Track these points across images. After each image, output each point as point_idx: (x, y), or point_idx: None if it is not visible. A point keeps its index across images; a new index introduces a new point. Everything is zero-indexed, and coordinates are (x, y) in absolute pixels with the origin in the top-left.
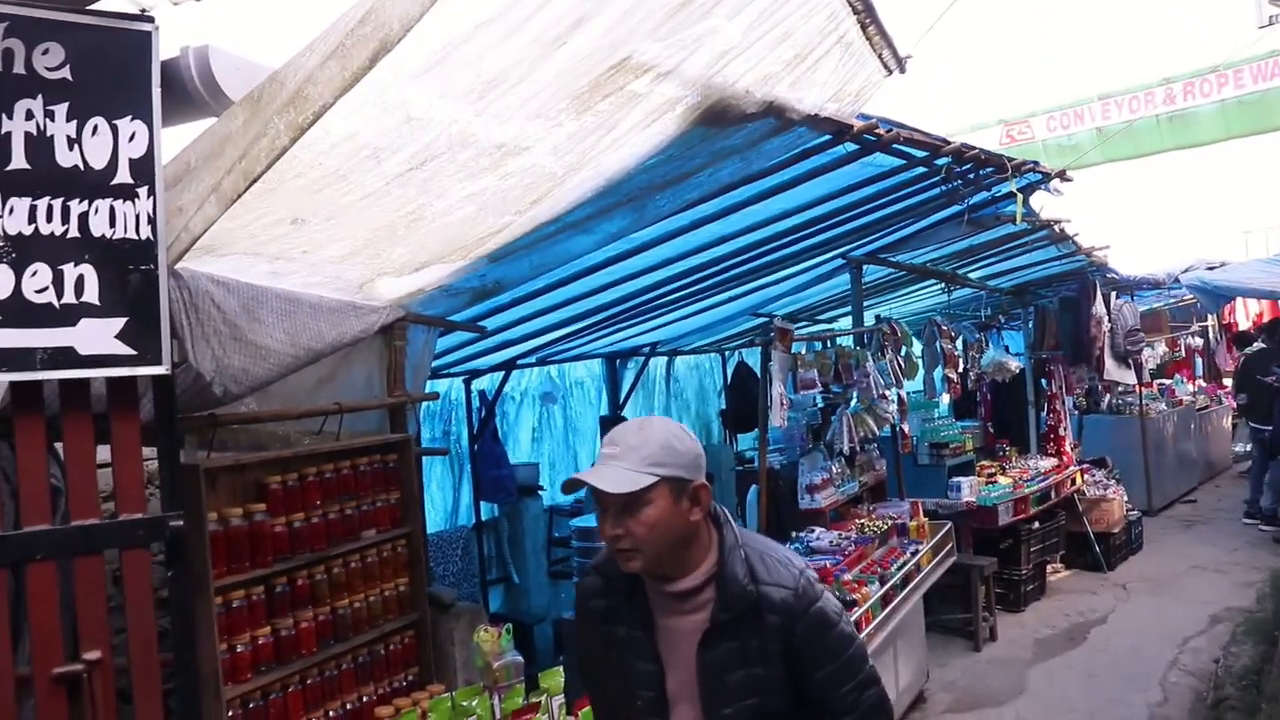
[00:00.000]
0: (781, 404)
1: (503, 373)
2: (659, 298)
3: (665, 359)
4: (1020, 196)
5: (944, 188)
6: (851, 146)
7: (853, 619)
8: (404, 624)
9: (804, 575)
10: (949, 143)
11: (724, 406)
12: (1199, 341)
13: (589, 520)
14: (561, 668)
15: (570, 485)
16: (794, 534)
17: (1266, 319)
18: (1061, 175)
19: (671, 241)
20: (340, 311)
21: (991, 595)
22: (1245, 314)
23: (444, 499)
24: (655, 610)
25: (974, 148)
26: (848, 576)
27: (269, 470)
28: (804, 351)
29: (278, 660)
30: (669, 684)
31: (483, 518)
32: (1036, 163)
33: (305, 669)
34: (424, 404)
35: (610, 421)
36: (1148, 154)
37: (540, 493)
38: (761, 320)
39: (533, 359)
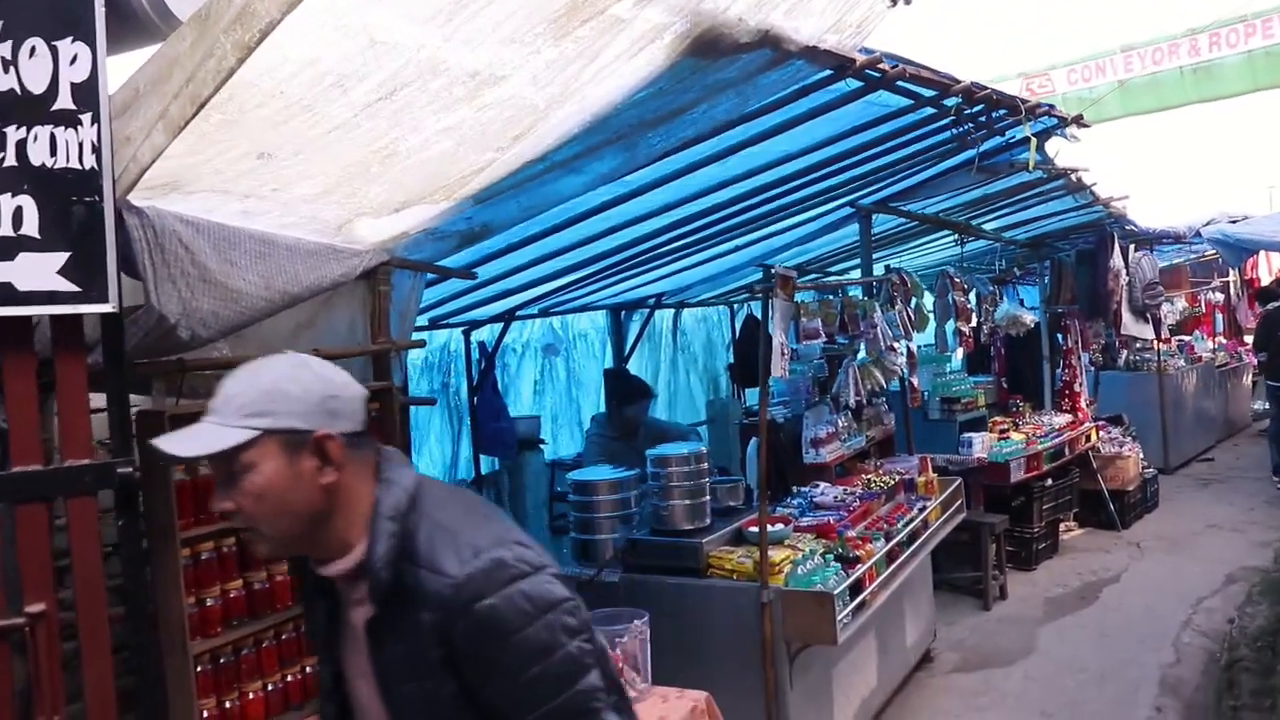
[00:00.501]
0: (783, 354)
1: (502, 324)
2: (659, 246)
3: (672, 311)
4: (1034, 141)
5: (955, 131)
6: (854, 83)
7: (855, 576)
8: None
9: (485, 559)
10: (958, 81)
11: (732, 360)
12: (1220, 297)
13: (589, 473)
14: None
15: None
16: (796, 489)
17: None
18: (1078, 120)
19: (669, 185)
20: (319, 254)
21: (1002, 553)
22: (1269, 269)
23: (443, 452)
24: (343, 602)
25: (985, 87)
26: (851, 533)
27: None
28: (809, 301)
29: (251, 614)
30: (355, 697)
31: (482, 471)
32: (1052, 106)
33: (280, 623)
34: (423, 355)
35: (613, 375)
36: (1171, 107)
37: (542, 446)
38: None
39: (534, 310)
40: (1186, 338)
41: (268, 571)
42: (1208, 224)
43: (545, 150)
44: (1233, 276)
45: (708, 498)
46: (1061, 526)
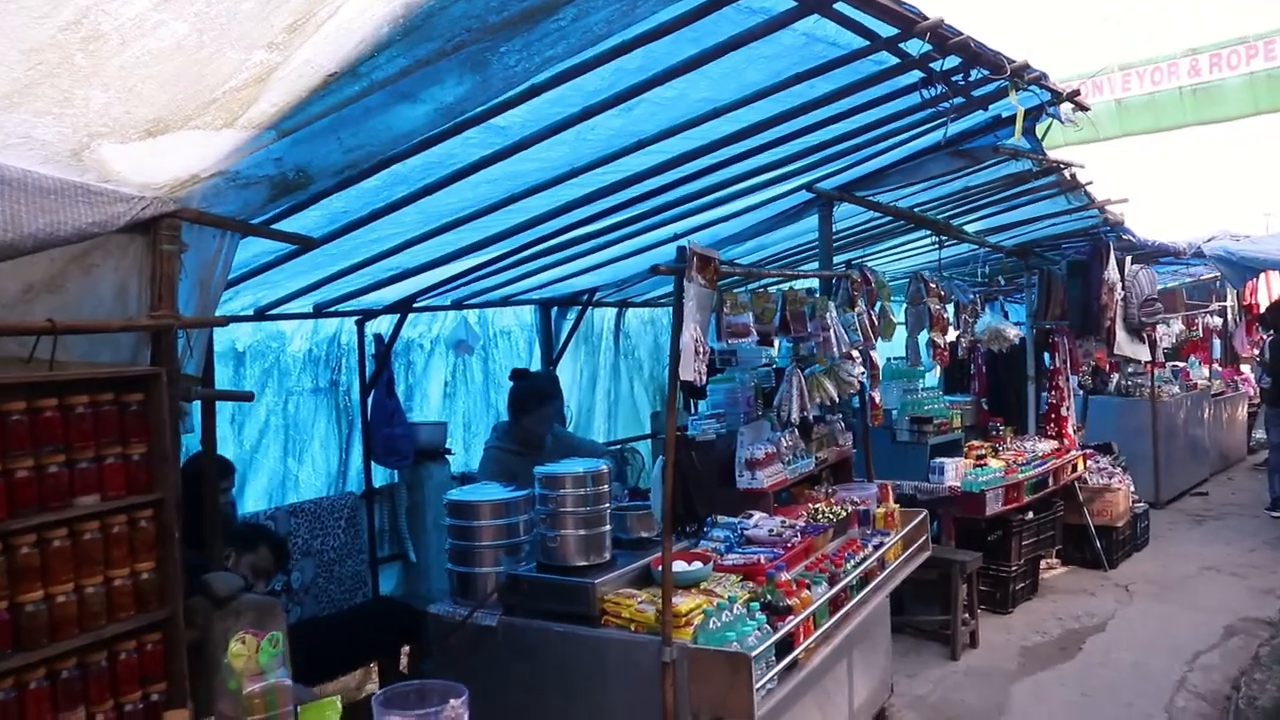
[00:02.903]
0: (698, 353)
1: (398, 315)
2: (575, 226)
3: (614, 311)
4: (1022, 112)
5: (925, 93)
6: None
7: (784, 631)
8: (144, 625)
9: None
10: (924, 18)
11: None
12: (1218, 321)
13: (468, 493)
14: (338, 699)
15: None
16: (714, 518)
17: None
18: (1074, 98)
19: (560, 138)
20: (60, 194)
21: (975, 595)
22: (1268, 294)
23: (328, 460)
24: None
25: (959, 32)
26: (785, 575)
27: None
28: (738, 291)
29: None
30: None
31: (375, 484)
32: (1044, 74)
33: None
34: (307, 347)
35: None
36: (1169, 128)
37: (448, 456)
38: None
39: (445, 299)
40: (1181, 363)
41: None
42: (1209, 240)
43: (352, 59)
44: (1230, 301)
45: (607, 527)
46: (1042, 564)
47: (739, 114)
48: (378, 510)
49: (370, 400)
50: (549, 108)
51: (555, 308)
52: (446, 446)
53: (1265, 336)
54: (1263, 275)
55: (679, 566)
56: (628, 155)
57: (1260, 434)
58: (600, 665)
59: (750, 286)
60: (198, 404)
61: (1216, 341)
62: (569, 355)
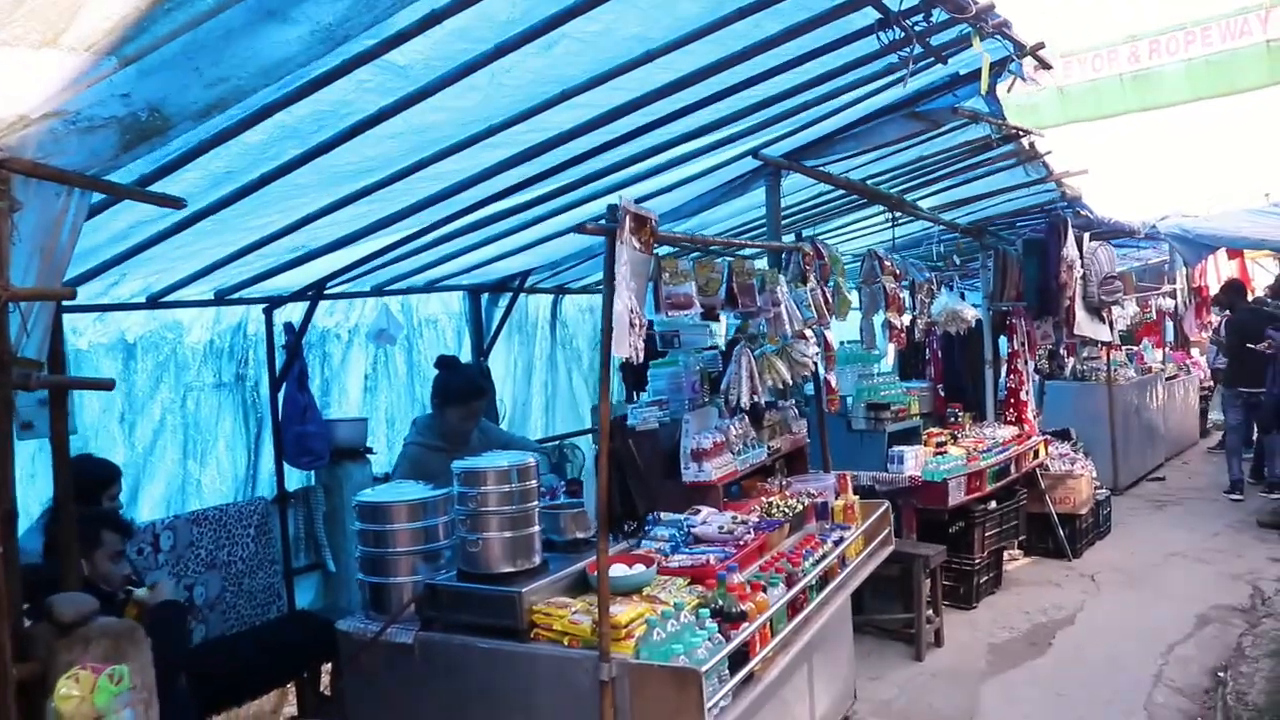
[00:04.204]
0: (633, 325)
1: (309, 301)
2: (494, 199)
3: (550, 298)
4: (987, 60)
5: (881, 36)
6: None
7: (738, 641)
8: None
9: None
10: None
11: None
12: (1170, 304)
13: (381, 494)
14: None
15: None
16: (656, 515)
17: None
18: (1037, 53)
19: (470, 83)
20: None
21: (939, 590)
22: (1217, 277)
23: (234, 462)
24: None
25: None
26: (738, 577)
27: None
28: (679, 258)
29: None
30: None
31: (288, 487)
32: (1008, 21)
33: None
34: (208, 338)
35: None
36: (1110, 115)
37: (369, 455)
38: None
39: (365, 285)
40: (1135, 347)
41: None
42: (1163, 219)
43: None
44: (1180, 284)
45: (536, 528)
46: (1005, 556)
47: (675, 59)
48: (292, 516)
49: (281, 396)
50: (455, 42)
51: (485, 294)
52: (367, 445)
53: (1218, 318)
54: (1211, 257)
55: (618, 571)
56: (552, 109)
57: (1217, 415)
58: (530, 685)
59: (692, 257)
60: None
61: (1169, 324)
62: (501, 345)
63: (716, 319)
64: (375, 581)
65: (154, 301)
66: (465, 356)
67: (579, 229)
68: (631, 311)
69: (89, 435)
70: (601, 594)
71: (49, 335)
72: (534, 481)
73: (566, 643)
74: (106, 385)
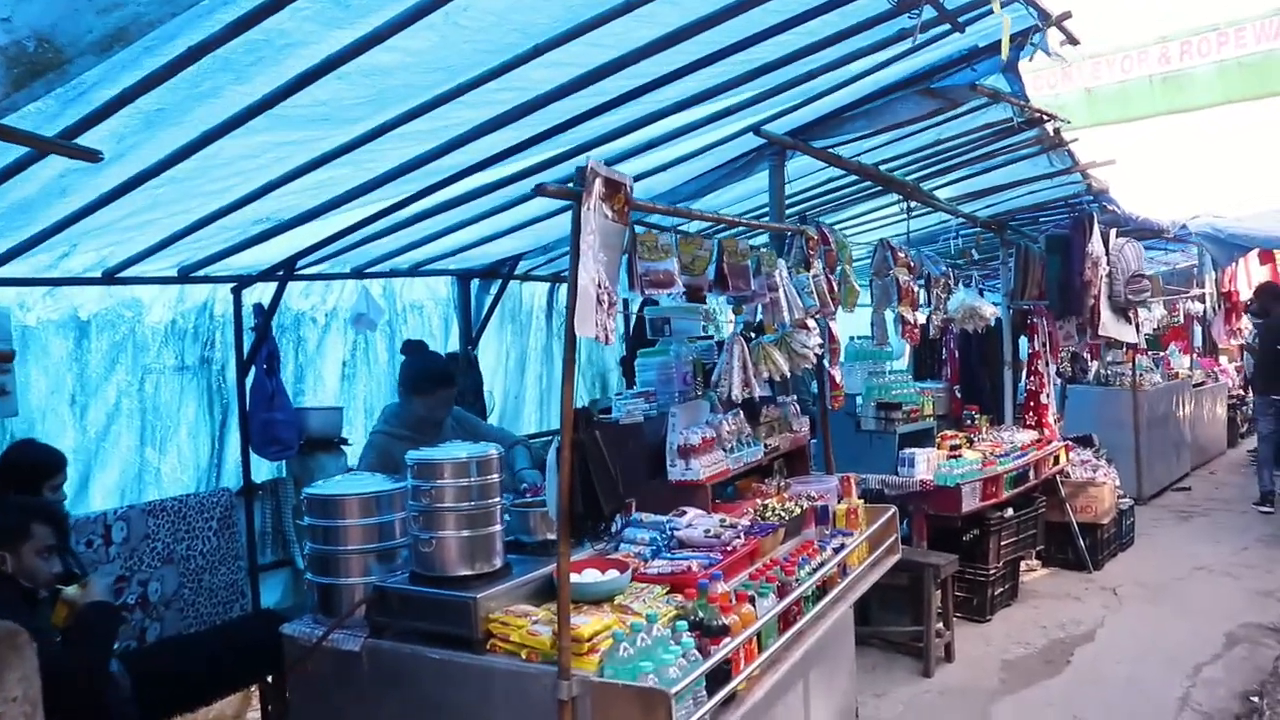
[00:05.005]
0: (600, 301)
1: (277, 282)
2: (471, 170)
3: (546, 286)
4: (1008, 21)
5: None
6: None
7: (718, 658)
8: None
9: None
10: None
11: (625, 353)
12: (1199, 307)
13: (330, 486)
14: None
15: None
16: (627, 517)
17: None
18: (1062, 23)
19: (428, 23)
20: None
21: (950, 602)
22: (1248, 280)
23: (196, 451)
24: None
25: None
26: (722, 587)
27: None
28: (657, 233)
29: None
30: None
31: (255, 479)
32: None
33: None
34: (170, 317)
35: (405, 348)
36: (1139, 117)
37: (344, 447)
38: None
39: (345, 267)
40: (1162, 352)
41: None
42: (1194, 218)
43: None
44: (1209, 288)
45: (497, 528)
46: (1022, 566)
47: (659, 9)
48: (258, 509)
49: (250, 382)
50: None
51: (476, 280)
52: (342, 435)
53: (1248, 327)
54: (1242, 261)
55: (587, 576)
56: (526, 66)
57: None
58: (484, 701)
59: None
60: None
61: (1197, 329)
62: (493, 334)
63: (702, 300)
64: (324, 582)
65: (110, 277)
66: (453, 345)
67: (538, 190)
68: (599, 286)
69: (35, 418)
70: (561, 603)
71: None
72: (495, 476)
73: (525, 656)
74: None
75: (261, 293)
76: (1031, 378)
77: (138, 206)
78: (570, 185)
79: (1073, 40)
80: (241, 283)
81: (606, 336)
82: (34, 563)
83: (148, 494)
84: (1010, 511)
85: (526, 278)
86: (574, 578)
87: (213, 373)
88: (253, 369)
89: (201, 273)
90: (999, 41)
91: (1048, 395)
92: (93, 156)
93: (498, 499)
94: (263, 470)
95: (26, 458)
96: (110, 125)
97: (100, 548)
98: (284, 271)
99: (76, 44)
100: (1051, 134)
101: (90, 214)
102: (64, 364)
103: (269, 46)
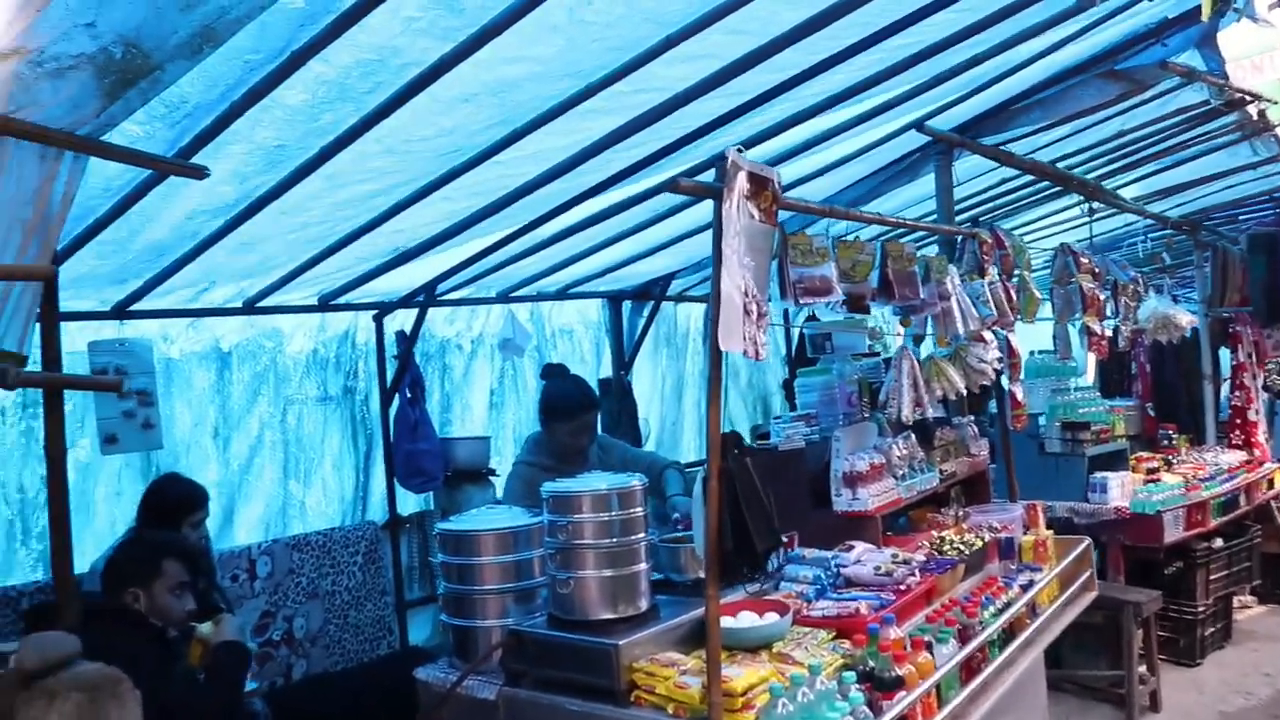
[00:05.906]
0: (748, 313)
1: (418, 308)
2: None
3: (703, 307)
4: None
5: None
6: None
7: (892, 713)
8: None
9: None
10: None
11: (788, 375)
12: None
13: (466, 521)
14: None
15: None
16: (797, 552)
17: None
18: None
19: (547, 21)
20: None
21: (1154, 643)
22: None
23: (341, 484)
24: None
25: None
26: (895, 633)
27: None
28: (813, 234)
29: None
30: None
31: (403, 512)
32: None
33: None
34: (311, 347)
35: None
36: None
37: (492, 478)
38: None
39: (490, 291)
40: None
41: None
42: None
43: None
44: None
45: (642, 566)
46: (1236, 602)
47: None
48: (405, 542)
49: (394, 413)
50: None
51: (627, 302)
52: (490, 465)
53: None
54: None
55: (746, 620)
56: (657, 61)
57: None
58: None
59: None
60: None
61: None
62: (647, 358)
63: (864, 310)
64: (458, 624)
65: (250, 306)
66: (605, 370)
67: (671, 186)
68: (746, 295)
69: (179, 451)
70: (711, 653)
71: (31, 323)
72: (639, 509)
73: (671, 710)
74: (113, 386)
75: (403, 320)
76: (1237, 392)
77: (260, 230)
78: (711, 182)
79: None
80: (382, 310)
81: (756, 351)
82: (166, 600)
83: (292, 528)
84: (1219, 542)
85: (681, 298)
86: (726, 622)
87: (356, 403)
88: (396, 398)
89: (341, 300)
90: (1192, 10)
91: (1256, 411)
92: (198, 173)
93: (642, 534)
94: (409, 503)
95: (168, 495)
96: (231, 164)
97: (245, 582)
98: (424, 297)
99: (163, 47)
100: (1256, 117)
101: (222, 252)
102: (207, 396)
103: (384, 69)
